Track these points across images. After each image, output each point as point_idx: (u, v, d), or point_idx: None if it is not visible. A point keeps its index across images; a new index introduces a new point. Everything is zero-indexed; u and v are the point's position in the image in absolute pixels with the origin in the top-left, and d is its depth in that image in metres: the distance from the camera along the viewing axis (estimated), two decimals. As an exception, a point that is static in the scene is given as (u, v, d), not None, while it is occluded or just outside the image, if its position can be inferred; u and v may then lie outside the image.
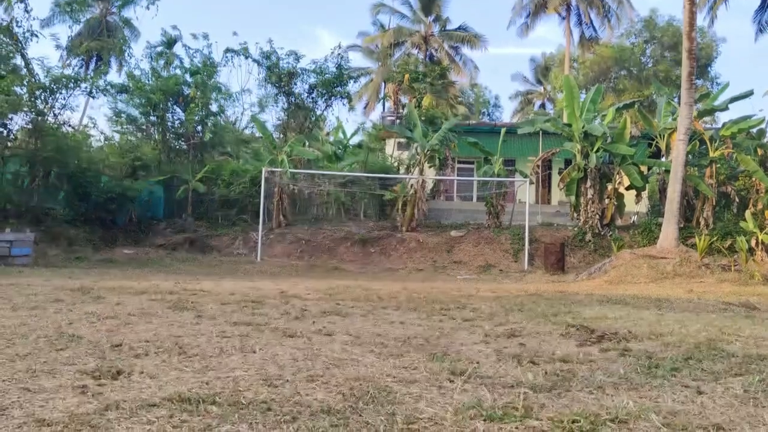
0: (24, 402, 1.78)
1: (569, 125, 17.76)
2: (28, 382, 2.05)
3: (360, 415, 1.80)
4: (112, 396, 1.89)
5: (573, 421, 1.77)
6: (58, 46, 18.88)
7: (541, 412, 1.87)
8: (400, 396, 2.06)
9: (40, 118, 15.27)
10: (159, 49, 20.41)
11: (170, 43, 20.99)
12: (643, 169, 18.64)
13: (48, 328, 3.34)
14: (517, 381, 2.38)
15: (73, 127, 17.37)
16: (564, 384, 2.34)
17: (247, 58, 20.45)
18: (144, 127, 20.06)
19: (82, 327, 3.47)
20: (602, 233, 17.34)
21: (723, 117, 40.91)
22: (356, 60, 35.27)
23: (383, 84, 33.42)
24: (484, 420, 1.79)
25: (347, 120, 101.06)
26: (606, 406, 1.93)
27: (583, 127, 17.13)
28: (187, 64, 19.97)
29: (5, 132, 14.89)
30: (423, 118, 20.47)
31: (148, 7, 21.59)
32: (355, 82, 23.87)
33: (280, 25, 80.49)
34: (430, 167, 19.79)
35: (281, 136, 21.00)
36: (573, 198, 17.90)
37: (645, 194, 20.09)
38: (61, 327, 3.42)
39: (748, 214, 14.78)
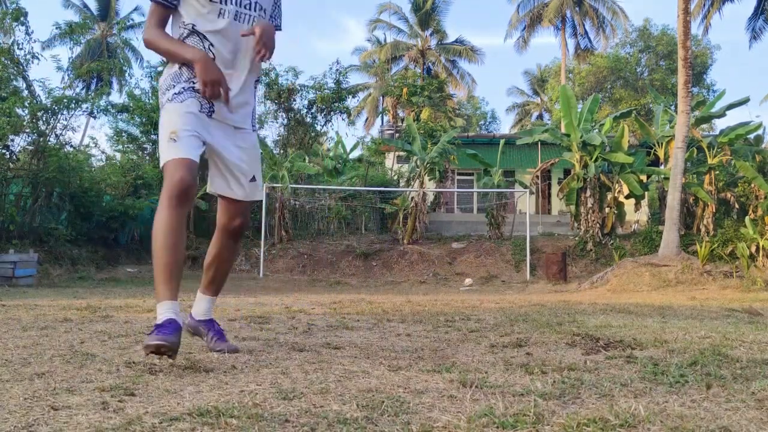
0: (48, 419, 1.82)
1: (567, 135, 17.91)
2: (50, 399, 2.09)
3: (376, 425, 1.85)
4: (133, 412, 1.93)
5: (584, 427, 1.82)
6: (59, 68, 19.07)
7: (552, 419, 1.92)
8: (413, 406, 2.10)
9: (41, 139, 15.39)
10: (159, 68, 20.61)
11: (170, 62, 21.22)
12: (642, 177, 18.76)
13: (61, 348, 3.39)
14: (527, 390, 2.42)
15: (74, 147, 17.50)
16: (573, 391, 2.38)
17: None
18: (145, 145, 20.21)
19: (95, 346, 3.51)
20: (603, 242, 17.41)
21: (720, 124, 40.98)
22: (354, 76, 35.53)
23: (381, 98, 33.69)
24: (497, 427, 1.84)
25: (347, 135, 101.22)
26: (615, 412, 1.98)
27: (581, 137, 17.27)
28: (186, 82, 20.14)
29: (7, 154, 15.01)
30: (422, 131, 20.64)
31: None
32: (353, 97, 24.06)
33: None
34: (430, 180, 19.93)
35: (281, 151, 21.13)
36: (573, 208, 18.00)
37: (645, 202, 20.17)
38: (74, 346, 3.47)
39: (747, 220, 14.85)
